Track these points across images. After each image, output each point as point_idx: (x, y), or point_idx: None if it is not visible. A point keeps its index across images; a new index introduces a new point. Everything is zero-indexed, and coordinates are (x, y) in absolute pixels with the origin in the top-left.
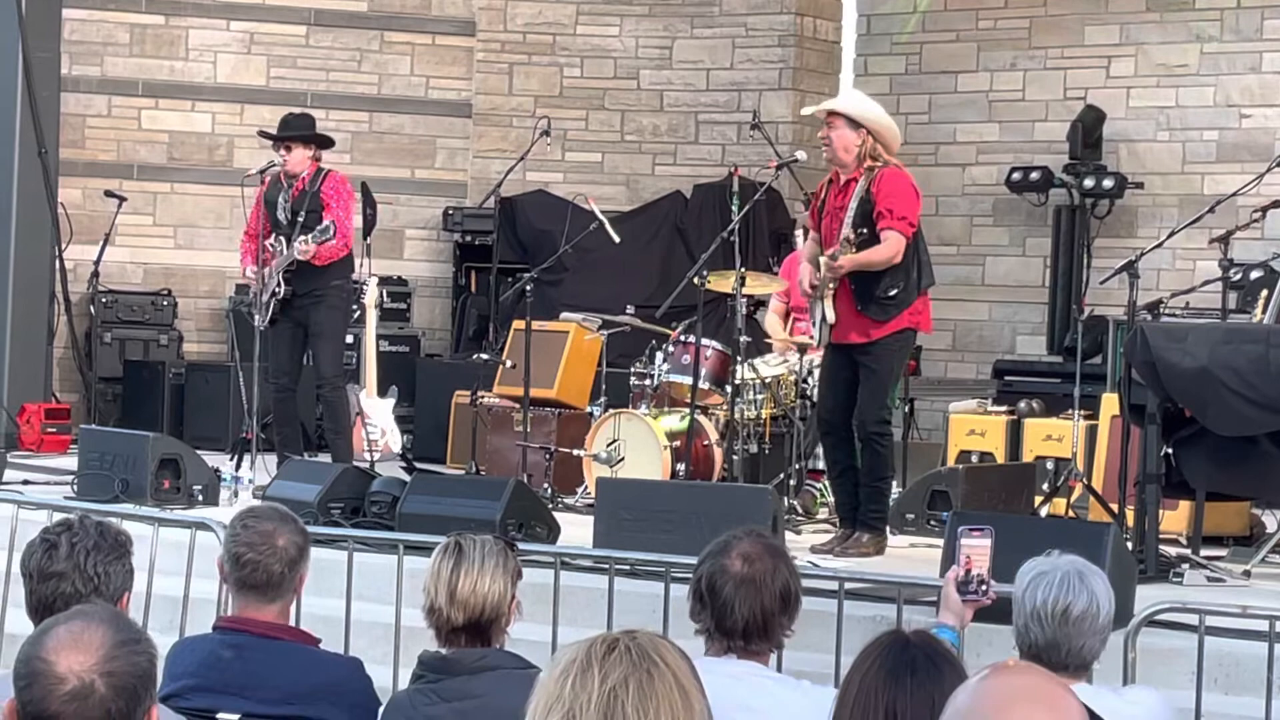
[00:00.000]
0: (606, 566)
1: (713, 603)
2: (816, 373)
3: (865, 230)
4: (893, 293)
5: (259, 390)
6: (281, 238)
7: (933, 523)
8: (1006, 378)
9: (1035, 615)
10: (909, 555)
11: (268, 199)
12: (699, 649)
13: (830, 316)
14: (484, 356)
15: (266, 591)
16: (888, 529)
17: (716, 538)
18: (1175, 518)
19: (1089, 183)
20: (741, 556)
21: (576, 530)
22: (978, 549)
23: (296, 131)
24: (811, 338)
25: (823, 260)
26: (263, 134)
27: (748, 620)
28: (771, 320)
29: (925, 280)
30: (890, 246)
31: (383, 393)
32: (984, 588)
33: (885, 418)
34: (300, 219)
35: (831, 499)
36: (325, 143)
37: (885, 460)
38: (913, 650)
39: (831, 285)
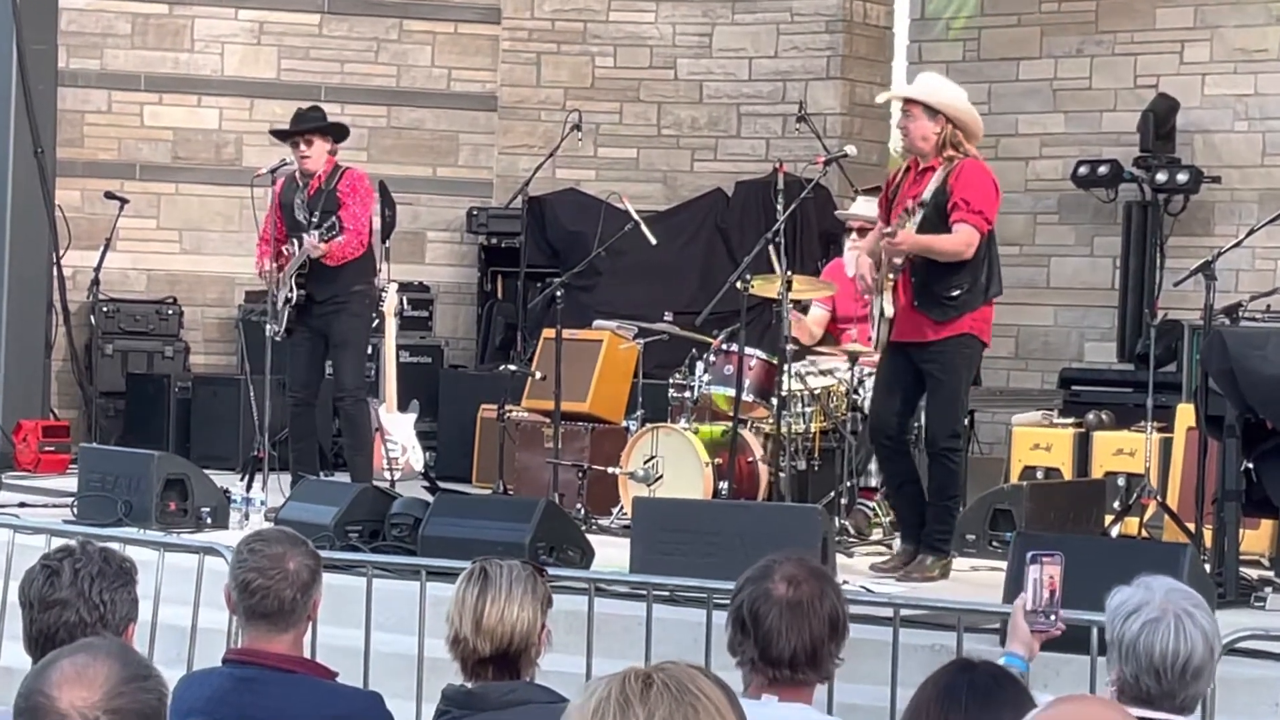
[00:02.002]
0: (644, 593)
1: (756, 631)
2: (868, 382)
3: (929, 200)
4: (955, 293)
5: (271, 405)
6: (296, 241)
7: (995, 544)
8: (1074, 387)
9: (1152, 670)
10: (970, 579)
11: (284, 201)
12: (738, 683)
13: (889, 310)
14: (511, 368)
15: (278, 620)
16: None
17: (754, 563)
18: (1256, 538)
19: (1161, 177)
20: (786, 580)
21: (612, 553)
22: (1048, 575)
23: (311, 123)
24: (868, 340)
25: (882, 241)
26: (275, 132)
27: (796, 649)
28: (809, 320)
29: (994, 288)
30: (961, 238)
31: (403, 407)
32: (1053, 617)
33: (957, 431)
34: (315, 219)
35: (885, 519)
36: (341, 133)
37: (956, 478)
38: (975, 674)
39: (892, 276)
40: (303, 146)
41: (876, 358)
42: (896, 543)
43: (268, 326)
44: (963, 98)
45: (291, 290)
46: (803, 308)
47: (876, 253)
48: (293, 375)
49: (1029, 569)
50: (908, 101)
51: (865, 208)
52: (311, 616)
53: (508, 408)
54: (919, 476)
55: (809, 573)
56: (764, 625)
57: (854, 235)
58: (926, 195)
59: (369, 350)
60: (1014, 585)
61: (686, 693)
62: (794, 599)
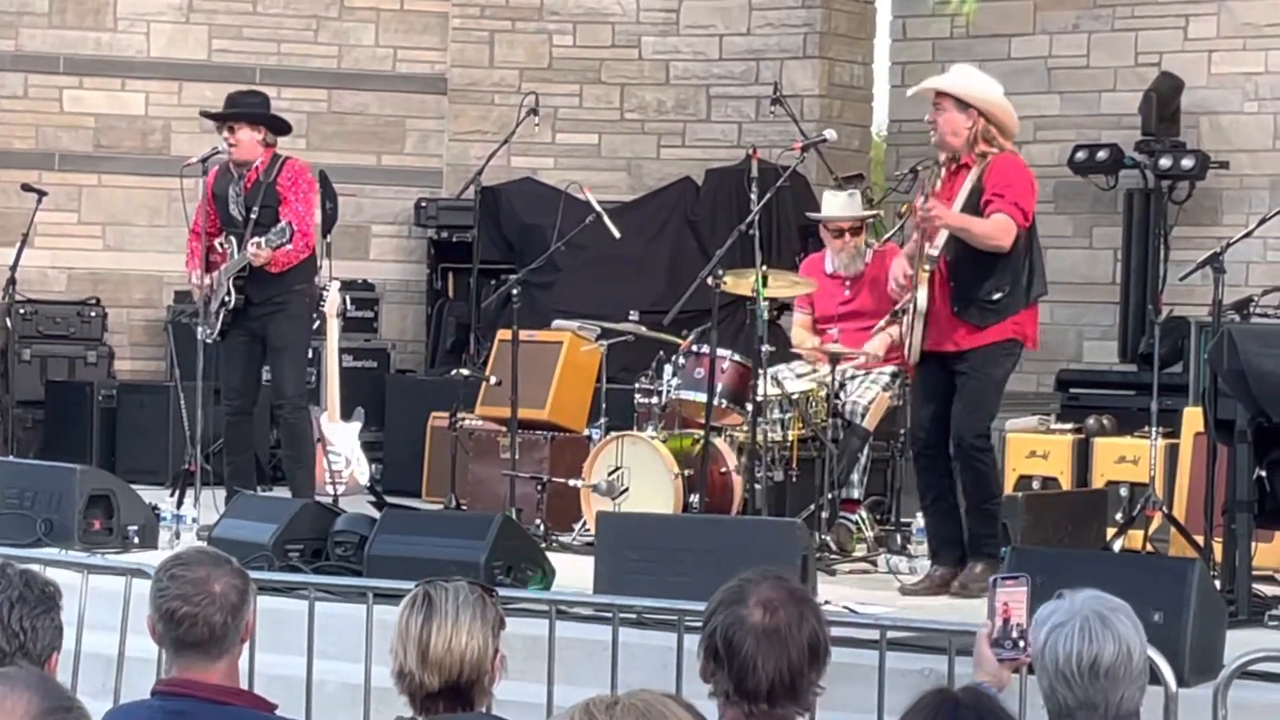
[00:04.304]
0: (609, 615)
1: (731, 661)
2: (850, 385)
3: (964, 202)
4: (996, 296)
5: (203, 414)
6: (233, 238)
7: None
8: (1072, 390)
9: (1060, 675)
10: (961, 599)
11: (217, 193)
12: (712, 712)
13: (922, 303)
14: (464, 372)
15: (210, 648)
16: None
17: (726, 583)
18: (1270, 551)
19: (1165, 162)
20: (762, 605)
21: (574, 573)
22: (1013, 599)
23: (242, 109)
24: (856, 347)
25: (914, 207)
26: (205, 114)
27: (773, 679)
28: (799, 334)
29: (1036, 289)
30: (997, 225)
31: (347, 415)
32: (1021, 643)
33: (984, 431)
34: (254, 216)
35: (870, 534)
36: (280, 127)
37: (989, 480)
38: (963, 712)
39: (927, 268)
40: (226, 134)
41: (861, 360)
42: (881, 559)
43: (199, 329)
44: (997, 91)
45: (229, 294)
46: (779, 308)
47: (913, 254)
48: (227, 382)
49: (993, 593)
50: (938, 94)
51: (840, 207)
52: (245, 639)
53: (460, 416)
54: (956, 492)
55: (787, 595)
56: (738, 655)
57: (845, 235)
58: (961, 197)
59: (310, 354)
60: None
61: (653, 711)
62: (770, 626)
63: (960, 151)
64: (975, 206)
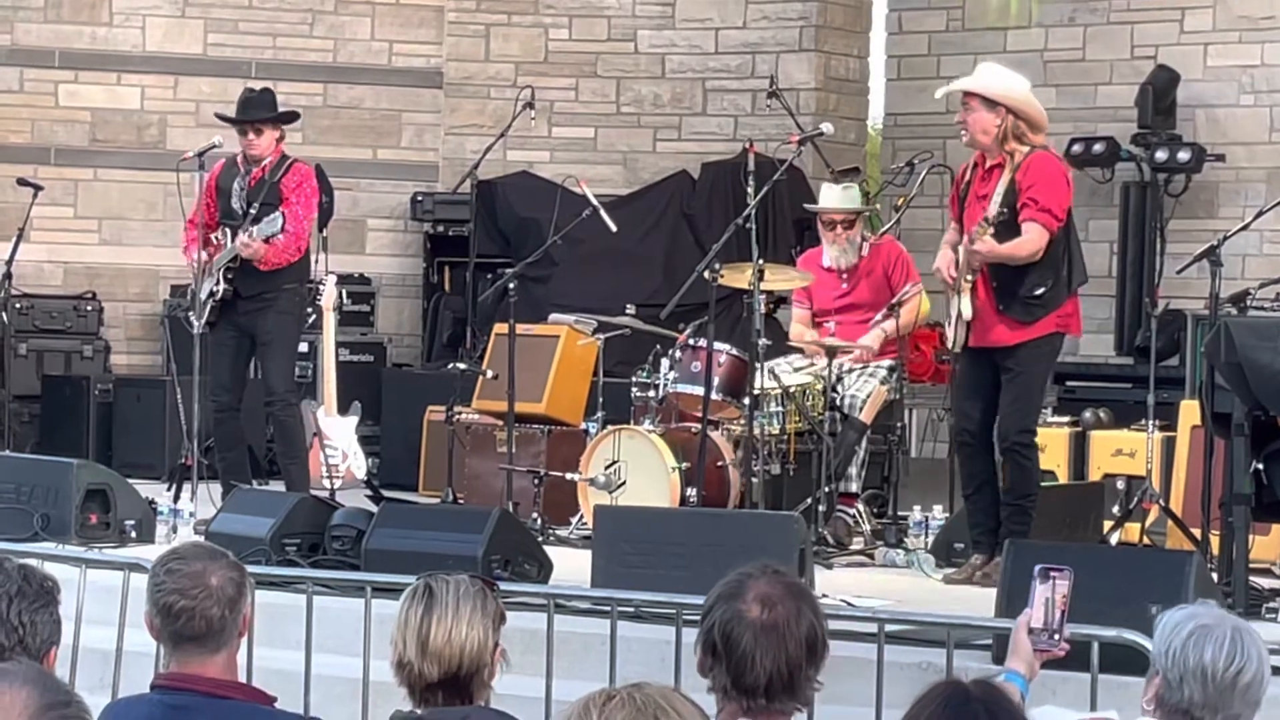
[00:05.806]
0: (607, 609)
1: (729, 656)
2: (847, 379)
3: (1006, 210)
4: (1039, 292)
5: (200, 409)
6: (229, 230)
7: None
8: (1069, 383)
9: (1199, 674)
10: (959, 591)
11: (221, 185)
12: (709, 708)
13: (967, 312)
14: (461, 366)
15: (208, 641)
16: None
17: (724, 577)
18: (1267, 544)
19: (1161, 155)
20: (760, 600)
21: (571, 566)
22: (1056, 593)
23: (265, 113)
24: (845, 339)
25: (961, 247)
26: (222, 117)
27: (771, 674)
28: (797, 328)
29: (1077, 279)
30: (1031, 241)
31: (343, 410)
32: (1057, 637)
33: (1030, 427)
34: (254, 211)
35: (867, 527)
36: (292, 119)
37: (1030, 476)
38: (974, 705)
39: (969, 278)
40: (251, 135)
41: (856, 354)
42: (879, 552)
43: (192, 319)
44: (1023, 86)
45: (218, 284)
46: (776, 302)
47: (957, 246)
48: (214, 378)
49: (1036, 583)
50: (966, 94)
51: (835, 199)
52: (242, 633)
53: (457, 409)
54: (998, 482)
55: (785, 590)
56: (736, 650)
57: (838, 227)
58: (997, 197)
59: (303, 349)
60: (1007, 598)
61: (651, 704)
62: (768, 621)
63: (991, 150)
64: (1013, 204)
